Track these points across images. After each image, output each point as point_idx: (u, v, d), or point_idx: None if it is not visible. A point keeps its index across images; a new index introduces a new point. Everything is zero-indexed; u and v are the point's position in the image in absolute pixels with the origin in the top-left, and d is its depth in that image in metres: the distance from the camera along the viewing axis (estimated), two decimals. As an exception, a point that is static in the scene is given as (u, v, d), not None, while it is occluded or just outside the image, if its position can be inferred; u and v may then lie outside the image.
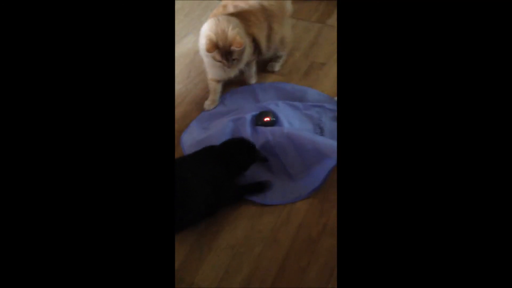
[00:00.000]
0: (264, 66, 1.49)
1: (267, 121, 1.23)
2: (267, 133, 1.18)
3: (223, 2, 1.38)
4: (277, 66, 1.48)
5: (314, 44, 1.60)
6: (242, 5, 1.33)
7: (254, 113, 1.25)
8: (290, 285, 0.93)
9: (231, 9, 1.32)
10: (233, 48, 1.19)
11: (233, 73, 1.32)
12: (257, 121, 1.24)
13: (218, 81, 1.36)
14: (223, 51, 1.20)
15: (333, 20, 1.70)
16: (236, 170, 1.08)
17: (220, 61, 1.23)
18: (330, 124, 1.25)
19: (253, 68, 1.43)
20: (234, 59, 1.23)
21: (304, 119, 1.27)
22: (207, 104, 1.37)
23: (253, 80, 1.44)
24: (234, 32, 1.19)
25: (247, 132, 1.20)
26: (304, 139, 1.15)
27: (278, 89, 1.40)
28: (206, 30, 1.24)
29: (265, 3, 1.36)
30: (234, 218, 1.07)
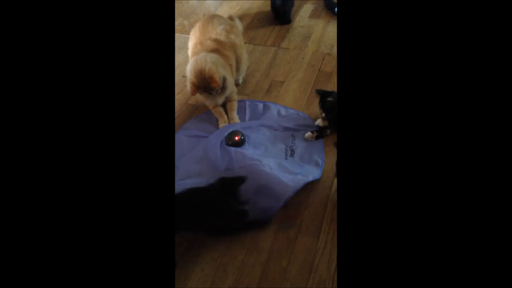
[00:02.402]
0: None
1: (236, 140, 1.33)
2: (232, 157, 1.26)
3: (195, 41, 1.51)
4: (240, 79, 1.65)
5: (272, 65, 1.74)
6: (211, 42, 1.47)
7: (225, 133, 1.35)
8: (274, 285, 0.98)
9: (209, 44, 1.45)
10: (212, 85, 1.33)
11: (220, 100, 1.45)
12: (228, 140, 1.33)
13: (216, 106, 1.48)
14: (203, 89, 1.35)
15: (286, 43, 1.87)
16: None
17: (207, 96, 1.38)
18: (302, 146, 1.33)
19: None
20: (216, 91, 1.37)
21: (278, 140, 1.37)
22: (221, 125, 1.45)
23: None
24: (210, 72, 1.32)
25: (216, 153, 1.28)
26: (263, 175, 1.16)
27: (264, 107, 1.52)
28: (189, 73, 1.37)
29: (232, 37, 1.52)
30: (215, 232, 1.11)
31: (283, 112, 1.48)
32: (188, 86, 1.36)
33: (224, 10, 2.20)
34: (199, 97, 1.48)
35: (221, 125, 1.44)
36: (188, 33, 2.03)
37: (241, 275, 1.01)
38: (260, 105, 1.53)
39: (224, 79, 1.37)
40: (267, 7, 2.10)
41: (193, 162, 1.26)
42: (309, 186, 1.20)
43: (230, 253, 1.06)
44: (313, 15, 2.06)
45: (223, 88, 1.38)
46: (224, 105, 1.50)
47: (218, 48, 1.45)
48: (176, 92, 1.64)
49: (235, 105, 1.49)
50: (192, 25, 2.13)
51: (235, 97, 1.51)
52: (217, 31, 1.49)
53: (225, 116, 1.47)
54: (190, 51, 1.52)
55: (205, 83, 1.33)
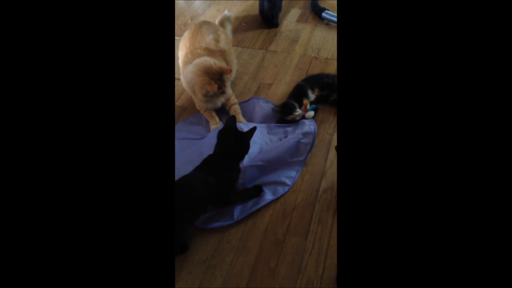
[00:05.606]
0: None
1: None
2: None
3: (185, 51, 1.51)
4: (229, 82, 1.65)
5: (260, 68, 1.75)
6: (202, 51, 1.47)
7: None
8: (262, 286, 0.98)
9: (200, 53, 1.46)
10: (224, 76, 1.34)
11: (219, 102, 1.45)
12: None
13: (209, 109, 1.48)
14: (218, 83, 1.35)
15: (273, 47, 1.89)
16: (235, 163, 1.14)
17: (217, 93, 1.36)
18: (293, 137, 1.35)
19: None
20: (224, 86, 1.38)
21: (272, 138, 1.39)
22: (213, 127, 1.44)
23: None
24: (217, 64, 1.34)
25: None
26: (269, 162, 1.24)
27: (253, 104, 1.53)
28: (196, 76, 1.36)
29: (221, 45, 1.54)
30: (204, 234, 1.11)
31: (268, 108, 1.51)
32: (203, 89, 1.34)
33: (212, 13, 2.20)
34: (202, 101, 1.45)
35: (212, 127, 1.44)
36: (176, 34, 2.03)
37: (230, 277, 1.00)
38: (250, 105, 1.54)
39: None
40: (255, 10, 2.12)
41: (184, 164, 1.24)
42: (297, 187, 1.21)
43: (218, 254, 1.06)
44: (301, 19, 2.09)
45: (226, 86, 1.39)
46: (216, 110, 1.50)
47: (210, 56, 1.46)
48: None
49: (238, 108, 1.49)
50: (180, 27, 2.12)
51: (235, 100, 1.51)
52: (207, 41, 1.50)
53: (216, 118, 1.47)
54: (181, 60, 1.52)
55: (217, 77, 1.34)
